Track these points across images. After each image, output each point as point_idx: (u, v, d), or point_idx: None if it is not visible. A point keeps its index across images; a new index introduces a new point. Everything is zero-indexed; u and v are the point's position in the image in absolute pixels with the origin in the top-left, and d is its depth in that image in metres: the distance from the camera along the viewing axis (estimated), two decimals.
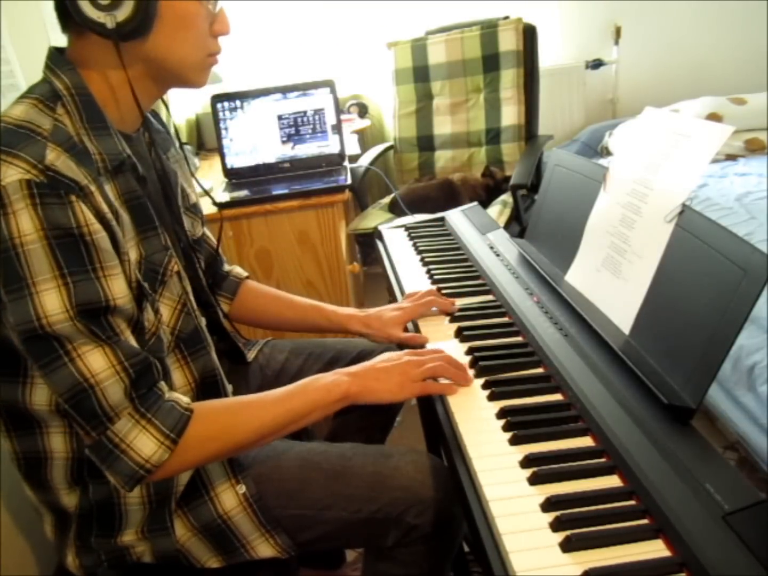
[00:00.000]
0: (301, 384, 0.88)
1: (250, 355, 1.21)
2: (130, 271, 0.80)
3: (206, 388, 0.93)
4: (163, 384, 0.81)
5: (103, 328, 0.74)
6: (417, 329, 1.07)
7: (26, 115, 0.76)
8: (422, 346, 1.01)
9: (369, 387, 0.87)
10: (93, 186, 0.75)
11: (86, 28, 0.78)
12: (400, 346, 1.08)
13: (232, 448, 0.86)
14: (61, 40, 0.85)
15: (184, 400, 0.81)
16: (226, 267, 1.20)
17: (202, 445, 0.81)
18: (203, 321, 0.97)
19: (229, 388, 1.00)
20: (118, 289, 0.76)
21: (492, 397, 0.86)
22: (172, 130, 1.05)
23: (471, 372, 0.92)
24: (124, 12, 0.77)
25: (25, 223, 0.70)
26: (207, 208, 1.77)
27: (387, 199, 2.33)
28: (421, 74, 2.48)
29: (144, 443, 0.76)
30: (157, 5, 0.78)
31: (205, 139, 2.50)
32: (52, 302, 0.71)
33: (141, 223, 0.84)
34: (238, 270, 1.21)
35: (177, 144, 1.05)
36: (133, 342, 0.78)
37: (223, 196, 1.83)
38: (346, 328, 1.13)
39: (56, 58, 0.81)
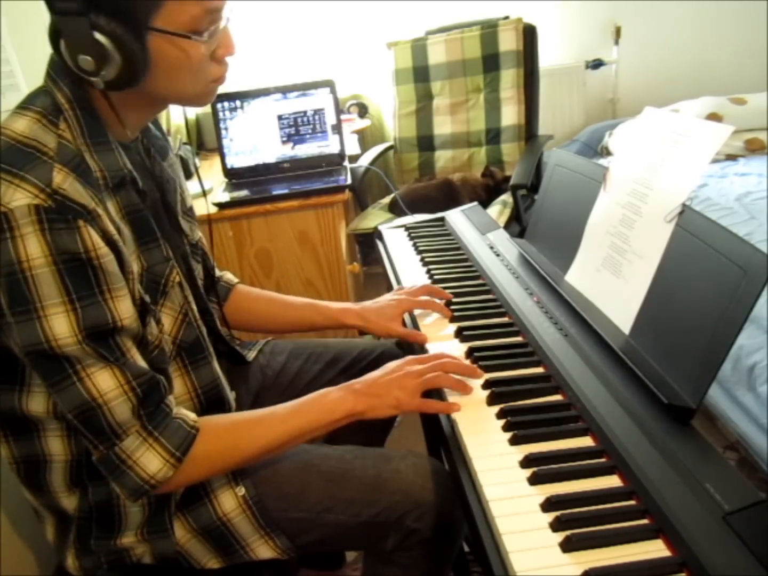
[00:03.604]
0: (306, 401, 0.88)
1: (250, 356, 1.20)
2: (134, 287, 0.80)
3: (207, 397, 0.93)
4: (170, 400, 0.81)
5: (110, 349, 0.75)
6: (417, 328, 1.07)
7: (30, 132, 0.74)
8: (421, 343, 1.01)
9: (371, 404, 0.87)
10: (100, 208, 0.75)
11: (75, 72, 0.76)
12: (399, 342, 1.08)
13: (237, 465, 0.88)
14: None
15: (191, 417, 0.82)
16: (217, 272, 1.19)
17: (206, 462, 0.83)
18: (204, 330, 0.97)
19: (232, 395, 1.00)
20: (124, 309, 0.76)
21: (492, 398, 0.86)
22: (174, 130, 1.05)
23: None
24: (110, 72, 0.75)
25: (33, 248, 0.70)
26: (205, 208, 1.78)
27: (387, 199, 2.33)
28: (421, 74, 2.48)
29: (150, 460, 0.77)
30: (146, 58, 0.76)
31: (205, 139, 2.50)
32: (60, 326, 0.71)
33: (142, 236, 0.84)
34: (229, 276, 1.21)
35: (176, 148, 1.05)
36: (140, 360, 0.78)
37: (223, 196, 1.83)
38: (342, 322, 1.13)
39: (58, 67, 0.79)
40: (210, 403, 0.93)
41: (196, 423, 0.81)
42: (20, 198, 0.69)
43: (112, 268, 0.75)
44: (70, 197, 0.72)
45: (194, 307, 0.94)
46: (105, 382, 0.74)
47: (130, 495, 0.79)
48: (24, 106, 0.78)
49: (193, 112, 2.54)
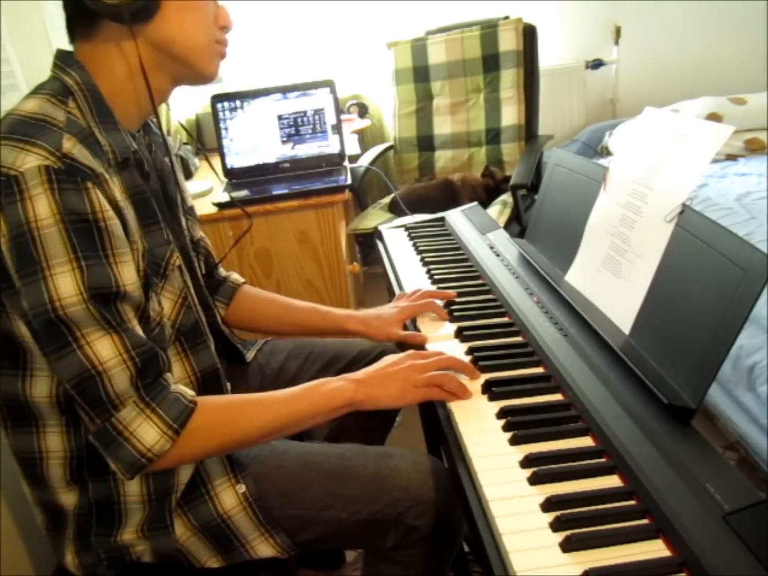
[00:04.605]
0: (306, 387, 0.88)
1: (249, 355, 1.21)
2: (138, 259, 0.81)
3: (206, 382, 0.94)
4: (169, 375, 0.82)
5: (112, 315, 0.76)
6: (416, 329, 1.07)
7: (40, 109, 0.77)
8: (422, 345, 1.01)
9: (372, 394, 0.87)
10: (106, 175, 0.77)
11: (98, 11, 0.79)
12: (400, 345, 1.08)
13: (233, 444, 0.87)
14: (60, 41, 0.86)
15: (189, 392, 0.82)
16: (223, 273, 1.20)
17: (203, 438, 0.82)
18: (203, 316, 0.98)
19: (228, 386, 1.00)
20: (128, 275, 0.78)
21: (492, 397, 0.86)
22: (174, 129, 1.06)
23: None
24: None
25: (42, 208, 0.71)
26: (207, 208, 1.78)
27: (387, 199, 2.33)
28: (421, 74, 2.48)
29: (147, 432, 0.77)
30: None
31: (205, 139, 2.50)
32: (66, 285, 0.72)
33: (144, 217, 0.86)
34: (236, 276, 1.21)
35: (176, 148, 1.06)
36: (140, 331, 0.79)
37: (223, 196, 1.83)
38: (344, 328, 1.13)
39: (65, 57, 0.83)
40: (208, 388, 0.94)
41: (194, 398, 0.81)
42: (31, 161, 0.72)
43: (117, 231, 0.77)
44: (79, 160, 0.74)
45: (193, 292, 0.95)
46: (105, 350, 0.74)
47: (126, 470, 0.78)
48: (33, 91, 0.81)
49: (193, 112, 2.54)
